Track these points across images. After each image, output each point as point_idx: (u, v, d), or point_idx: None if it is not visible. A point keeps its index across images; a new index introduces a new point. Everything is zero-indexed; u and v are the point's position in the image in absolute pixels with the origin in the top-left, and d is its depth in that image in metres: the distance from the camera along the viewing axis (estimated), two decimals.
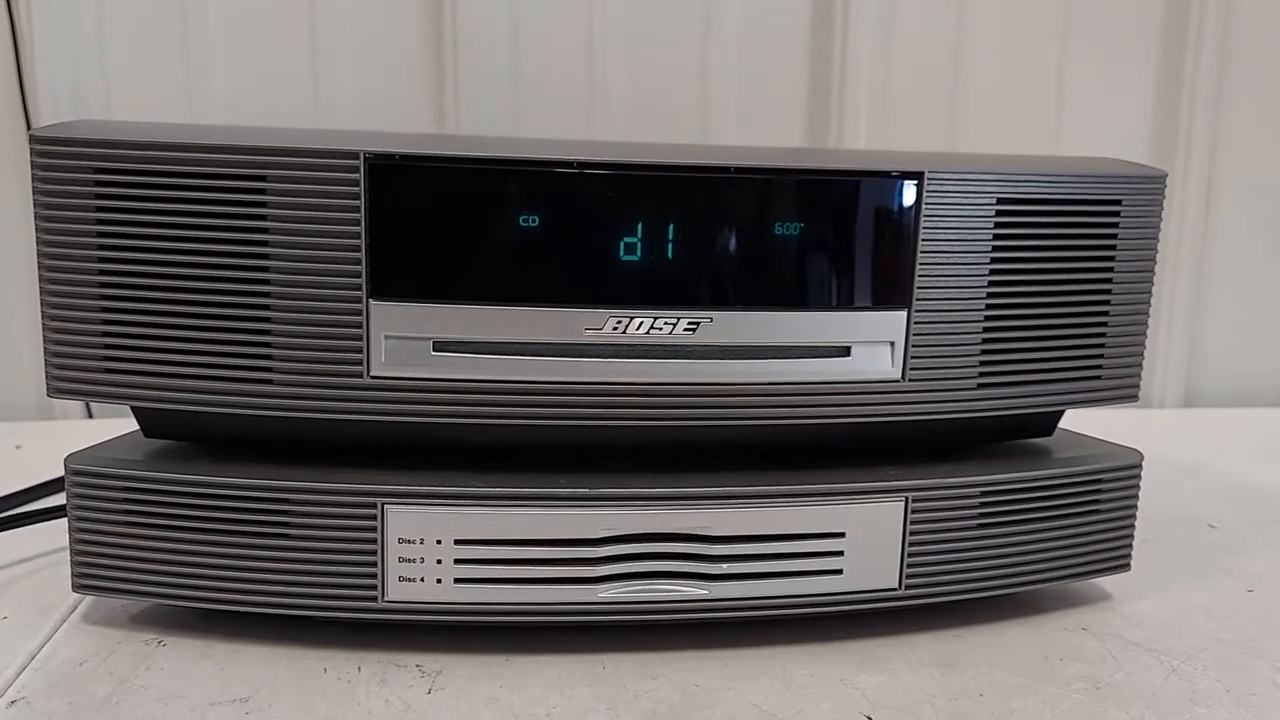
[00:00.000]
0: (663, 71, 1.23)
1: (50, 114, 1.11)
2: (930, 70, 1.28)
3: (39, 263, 0.56)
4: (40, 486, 0.82)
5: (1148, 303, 0.65)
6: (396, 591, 0.57)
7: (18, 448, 1.01)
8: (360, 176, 0.54)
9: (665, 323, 0.57)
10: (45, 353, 0.57)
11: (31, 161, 0.56)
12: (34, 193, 0.56)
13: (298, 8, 1.16)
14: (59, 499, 0.76)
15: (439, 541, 0.57)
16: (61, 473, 0.59)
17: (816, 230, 0.58)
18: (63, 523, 0.61)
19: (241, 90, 1.16)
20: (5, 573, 0.70)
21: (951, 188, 0.59)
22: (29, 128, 1.11)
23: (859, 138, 1.26)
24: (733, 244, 0.57)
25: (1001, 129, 1.30)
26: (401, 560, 0.57)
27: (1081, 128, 1.32)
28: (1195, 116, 1.33)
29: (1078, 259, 0.62)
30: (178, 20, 1.14)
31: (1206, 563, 0.77)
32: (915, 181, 0.59)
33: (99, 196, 0.55)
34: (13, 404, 1.17)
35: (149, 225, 0.55)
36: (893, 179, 0.59)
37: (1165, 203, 0.65)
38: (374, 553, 0.57)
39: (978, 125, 1.30)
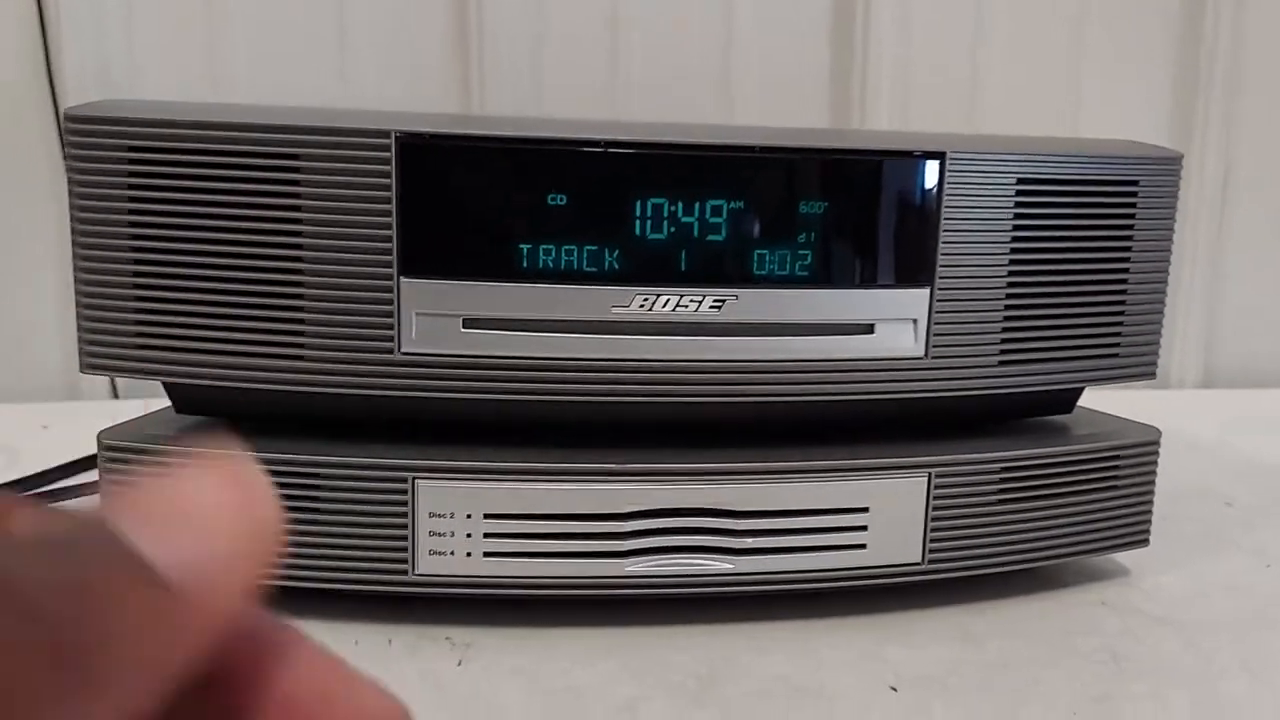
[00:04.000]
0: (685, 60, 1.24)
1: (76, 93, 1.12)
2: (950, 53, 1.29)
3: (73, 240, 0.56)
4: (69, 465, 0.83)
5: (1165, 281, 0.65)
6: (427, 565, 0.58)
7: (45, 428, 1.02)
8: (391, 155, 0.55)
9: (691, 300, 0.58)
10: (79, 329, 0.58)
11: (65, 140, 0.57)
12: (68, 171, 0.56)
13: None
14: (86, 476, 0.77)
15: (469, 516, 0.58)
16: (90, 451, 0.60)
17: (840, 209, 0.59)
18: (93, 500, 0.62)
19: (267, 69, 1.17)
20: None
21: (973, 167, 0.60)
22: (55, 106, 1.12)
23: (881, 120, 1.26)
24: (757, 222, 0.58)
25: (1021, 111, 1.31)
26: (432, 534, 0.58)
27: (1100, 109, 1.33)
28: (1212, 96, 1.33)
29: (1096, 238, 0.63)
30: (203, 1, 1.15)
31: (1224, 539, 0.77)
32: (938, 161, 0.59)
33: (132, 174, 0.55)
34: (40, 385, 1.18)
35: (182, 203, 0.55)
36: (915, 159, 0.59)
37: (1183, 183, 0.65)
38: (405, 527, 0.58)
39: (998, 108, 1.30)
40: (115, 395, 1.18)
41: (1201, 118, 1.33)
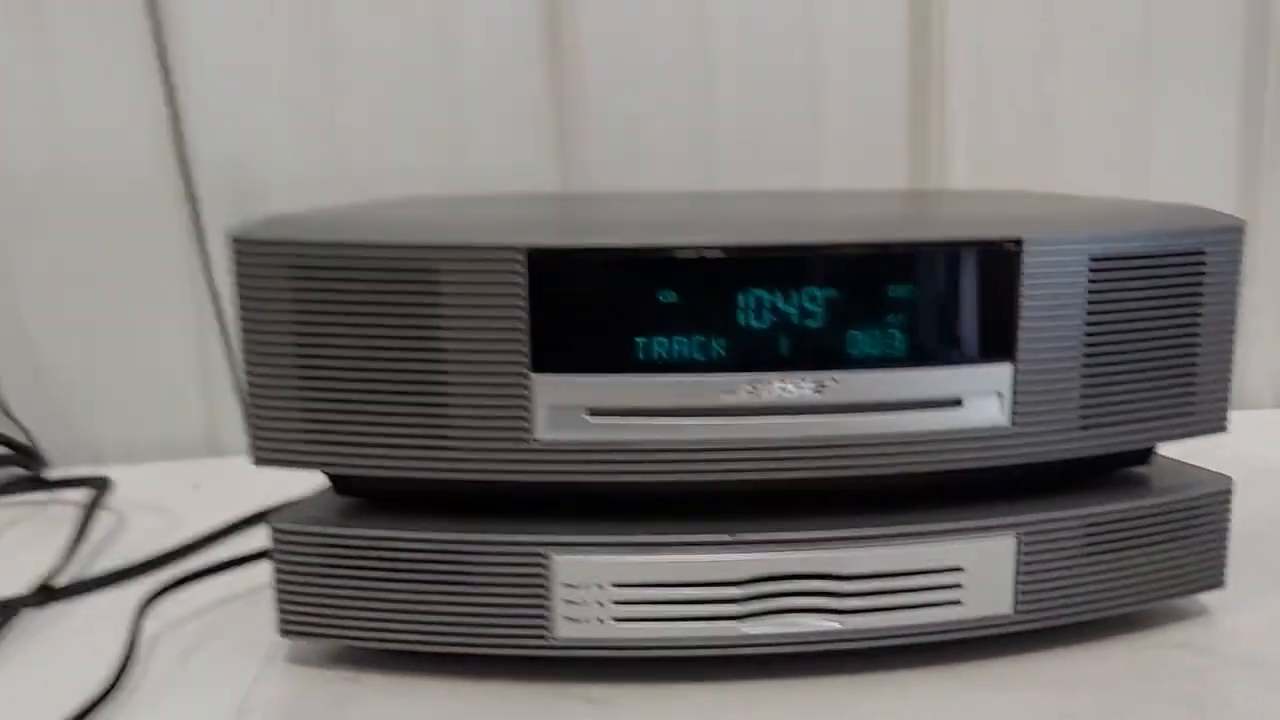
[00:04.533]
0: (771, 112, 1.30)
1: (208, 181, 1.19)
2: (1022, 88, 1.33)
3: (243, 349, 0.65)
4: (231, 527, 0.89)
5: (1233, 342, 0.70)
6: (564, 630, 0.65)
7: (196, 487, 1.09)
8: (521, 266, 0.62)
9: (795, 385, 0.64)
10: (249, 427, 0.66)
11: (233, 260, 0.64)
12: (236, 288, 0.64)
13: (431, 52, 1.24)
14: (251, 538, 0.84)
15: (600, 585, 0.64)
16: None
17: (927, 294, 0.64)
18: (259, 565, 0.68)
19: (386, 146, 1.24)
20: (210, 614, 0.78)
21: (1048, 249, 0.65)
22: (186, 187, 1.19)
23: (957, 170, 1.32)
24: (852, 310, 0.63)
25: (1094, 159, 1.34)
26: (567, 602, 0.64)
27: (1171, 154, 1.35)
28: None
29: (1166, 306, 0.68)
30: (320, 76, 1.23)
31: None
32: (1016, 246, 0.64)
33: (293, 290, 0.63)
34: (182, 441, 1.26)
35: (338, 313, 0.63)
36: (995, 245, 0.64)
37: (1251, 205, 0.68)
38: (543, 596, 0.64)
39: (1073, 159, 1.34)
40: None
41: (1270, 141, 1.35)
